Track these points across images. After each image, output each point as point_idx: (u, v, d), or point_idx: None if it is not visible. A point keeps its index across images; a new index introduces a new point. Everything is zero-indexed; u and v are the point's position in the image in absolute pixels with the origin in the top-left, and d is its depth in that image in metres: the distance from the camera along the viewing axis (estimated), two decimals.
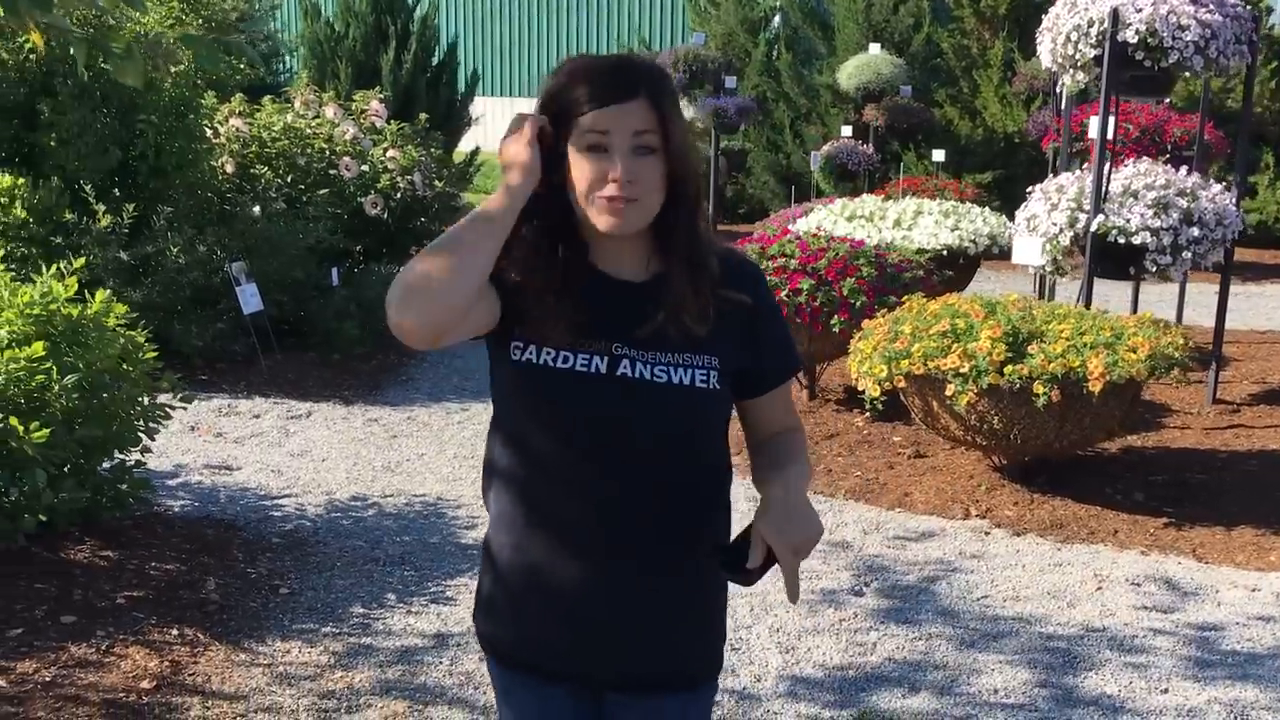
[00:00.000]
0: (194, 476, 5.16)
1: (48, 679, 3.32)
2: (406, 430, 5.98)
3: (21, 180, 6.32)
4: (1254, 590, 4.21)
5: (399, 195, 8.59)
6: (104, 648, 3.53)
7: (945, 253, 7.98)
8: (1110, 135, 5.96)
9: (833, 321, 5.80)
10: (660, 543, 1.73)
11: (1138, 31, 5.60)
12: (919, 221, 8.27)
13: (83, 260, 4.48)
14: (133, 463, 4.30)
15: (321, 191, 8.07)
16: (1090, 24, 5.76)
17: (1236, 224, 5.95)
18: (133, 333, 4.27)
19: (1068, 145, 7.29)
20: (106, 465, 4.22)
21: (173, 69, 6.61)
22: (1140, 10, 5.61)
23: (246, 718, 3.23)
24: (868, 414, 5.95)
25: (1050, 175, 6.65)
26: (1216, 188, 6.05)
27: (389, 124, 9.10)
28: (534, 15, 19.18)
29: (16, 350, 3.75)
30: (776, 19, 15.34)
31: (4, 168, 6.51)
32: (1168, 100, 9.69)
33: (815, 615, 3.96)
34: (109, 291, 4.29)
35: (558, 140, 1.65)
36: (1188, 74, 5.95)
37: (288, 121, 8.40)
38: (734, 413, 1.83)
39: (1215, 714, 3.38)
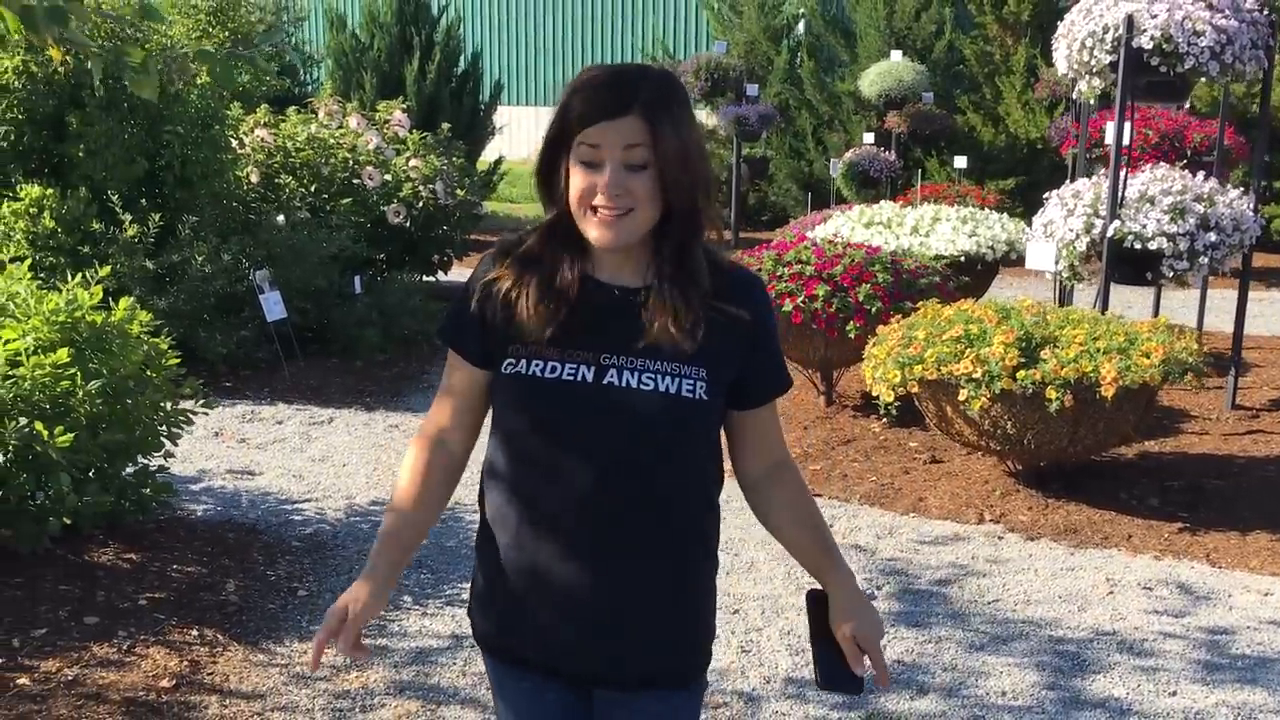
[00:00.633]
0: (217, 481, 5.25)
1: (70, 678, 3.40)
2: None
3: (50, 191, 6.45)
4: (1266, 594, 4.21)
5: (421, 204, 8.69)
6: (125, 648, 3.60)
7: (963, 259, 7.99)
8: (1127, 141, 5.96)
9: (848, 327, 5.83)
10: (650, 544, 1.77)
11: (1153, 37, 5.61)
12: (936, 228, 8.28)
13: (109, 269, 4.58)
14: (155, 467, 4.38)
15: (344, 201, 8.18)
16: (1105, 30, 5.76)
17: (1254, 229, 5.94)
18: (156, 340, 4.36)
19: (1084, 151, 7.29)
20: (130, 470, 4.31)
21: (198, 81, 6.73)
22: (1155, 16, 5.61)
23: (263, 716, 3.30)
24: (884, 420, 5.98)
25: (1068, 181, 6.66)
26: (1234, 193, 6.04)
27: (412, 134, 9.20)
28: (557, 25, 19.29)
29: (42, 356, 3.83)
30: (799, 26, 15.37)
31: (33, 178, 6.64)
32: (1187, 105, 9.66)
33: None
34: (132, 299, 4.38)
35: (559, 151, 1.72)
36: (1204, 79, 5.95)
37: (312, 132, 8.52)
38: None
39: (1223, 717, 3.39)
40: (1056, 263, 5.97)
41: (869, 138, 13.07)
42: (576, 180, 1.69)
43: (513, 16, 19.56)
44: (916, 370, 4.84)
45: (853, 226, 8.41)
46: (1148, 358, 4.65)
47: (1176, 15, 5.60)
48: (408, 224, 8.59)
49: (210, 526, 4.67)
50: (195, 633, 3.74)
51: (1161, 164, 6.45)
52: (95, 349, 4.07)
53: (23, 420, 3.69)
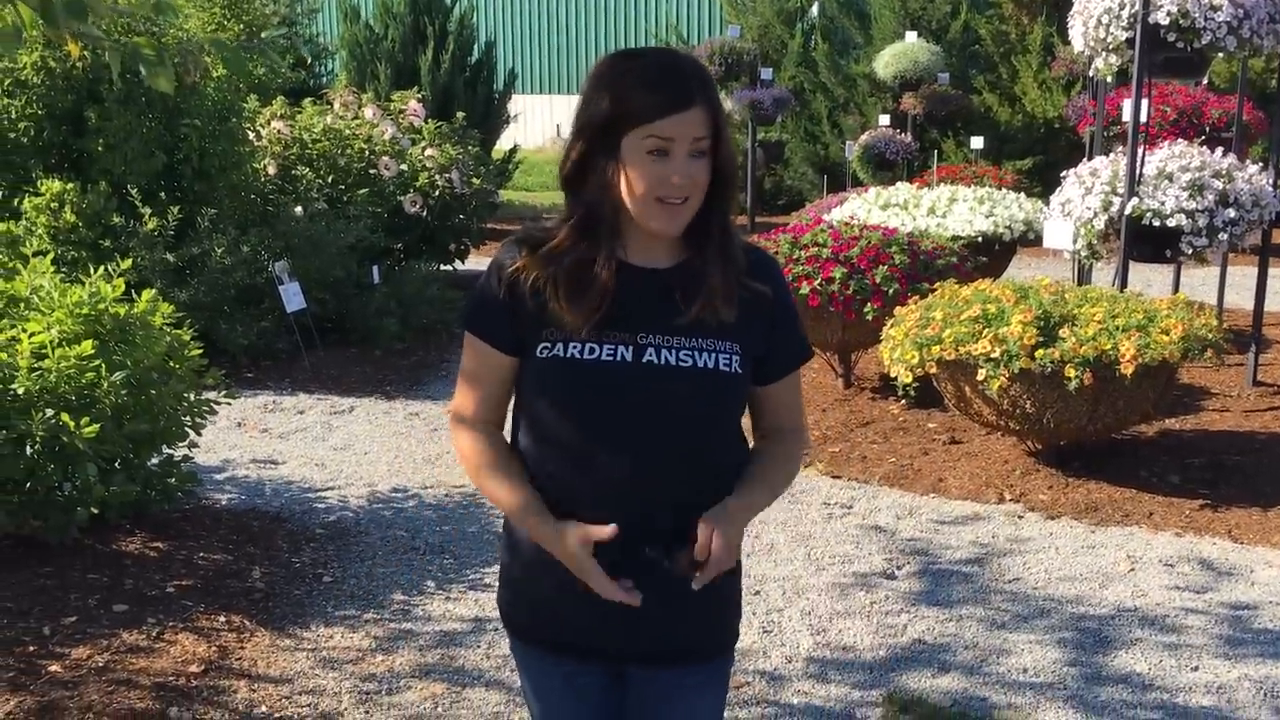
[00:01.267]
0: (240, 471, 5.29)
1: (101, 664, 3.45)
2: (446, 424, 6.08)
3: (71, 185, 6.50)
4: None
5: (437, 193, 8.71)
6: (154, 634, 3.65)
7: (980, 239, 7.97)
8: (1145, 118, 5.93)
9: (866, 309, 5.83)
10: (681, 521, 1.79)
11: (1169, 13, 5.58)
12: (953, 209, 8.26)
13: (130, 262, 4.62)
14: (180, 457, 4.43)
15: (361, 191, 8.21)
16: (1121, 6, 5.73)
17: (1274, 205, 5.90)
18: (178, 331, 4.40)
19: (1102, 129, 7.26)
20: (155, 460, 4.36)
21: (213, 73, 6.76)
22: None
23: (291, 700, 3.34)
24: (902, 401, 5.98)
25: (1086, 160, 6.62)
26: (1253, 169, 6.00)
27: (427, 123, 9.23)
28: (571, 13, 19.27)
29: (67, 349, 3.88)
30: (813, 9, 15.31)
31: (53, 173, 6.69)
32: (1206, 81, 9.59)
33: (847, 598, 4.01)
34: (155, 291, 4.42)
35: (609, 142, 1.71)
36: (1221, 54, 5.91)
37: (327, 123, 8.55)
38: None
39: (1245, 690, 3.40)
40: (1075, 242, 5.95)
41: (885, 120, 13.03)
42: (643, 171, 1.70)
43: (525, 5, 19.55)
44: (934, 351, 4.84)
45: (869, 209, 8.39)
46: (1167, 335, 4.64)
47: None
48: (424, 213, 8.62)
49: (235, 515, 4.72)
50: (223, 619, 3.79)
51: (1180, 140, 6.41)
52: (119, 341, 4.11)
53: (49, 412, 3.73)
